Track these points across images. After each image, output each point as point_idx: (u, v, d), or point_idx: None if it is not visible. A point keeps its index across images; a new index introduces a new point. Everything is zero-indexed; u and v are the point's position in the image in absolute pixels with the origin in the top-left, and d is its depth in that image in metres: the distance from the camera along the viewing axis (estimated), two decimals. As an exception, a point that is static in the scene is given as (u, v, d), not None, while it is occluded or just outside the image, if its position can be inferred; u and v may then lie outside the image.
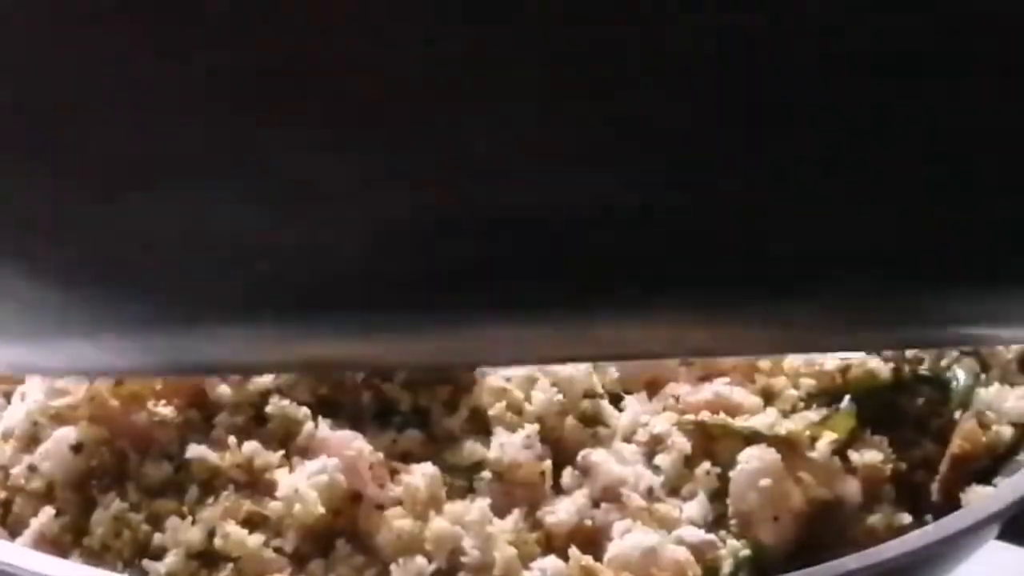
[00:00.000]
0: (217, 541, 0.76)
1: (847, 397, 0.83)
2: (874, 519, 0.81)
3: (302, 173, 0.33)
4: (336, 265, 0.36)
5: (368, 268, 0.36)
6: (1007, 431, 0.84)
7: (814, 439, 0.81)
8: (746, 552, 0.77)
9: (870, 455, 0.82)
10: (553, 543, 0.78)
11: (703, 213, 0.34)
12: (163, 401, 0.80)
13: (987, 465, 0.82)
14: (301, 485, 0.77)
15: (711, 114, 0.32)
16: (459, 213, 0.34)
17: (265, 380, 0.83)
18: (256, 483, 0.79)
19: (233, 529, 0.76)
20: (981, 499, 0.79)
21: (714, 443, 0.82)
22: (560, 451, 0.82)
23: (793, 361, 0.85)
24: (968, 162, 0.33)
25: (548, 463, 0.81)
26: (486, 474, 0.81)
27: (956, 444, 0.84)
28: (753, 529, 0.78)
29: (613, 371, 0.86)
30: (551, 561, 0.76)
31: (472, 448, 0.82)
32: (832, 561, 0.73)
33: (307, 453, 0.80)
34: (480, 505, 0.79)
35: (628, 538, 0.77)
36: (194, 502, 0.78)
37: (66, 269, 0.38)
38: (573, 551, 0.76)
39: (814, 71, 0.31)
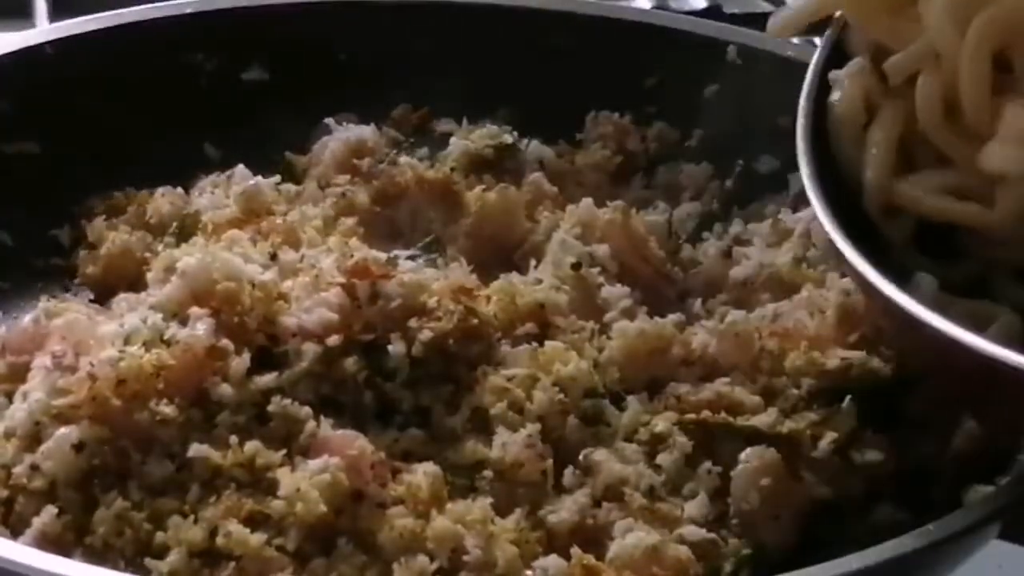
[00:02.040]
0: (219, 540, 0.76)
1: (848, 396, 0.83)
2: (875, 518, 0.81)
3: None
4: None
5: None
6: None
7: (815, 438, 0.81)
8: (747, 551, 0.78)
9: (871, 454, 0.82)
10: (555, 542, 0.78)
11: None
12: (165, 400, 0.80)
13: (988, 464, 0.82)
14: (303, 484, 0.77)
15: None
16: None
17: (267, 379, 0.83)
18: (258, 482, 0.79)
19: (235, 528, 0.76)
20: (982, 498, 0.79)
21: (715, 442, 0.82)
22: (561, 451, 0.82)
23: (794, 360, 0.85)
24: None
25: (549, 462, 0.81)
26: (488, 473, 0.81)
27: (957, 444, 0.84)
28: (754, 528, 0.79)
29: (614, 371, 0.86)
30: (553, 560, 0.76)
31: (474, 447, 0.82)
32: (833, 560, 0.73)
33: (309, 452, 0.80)
34: (482, 504, 0.79)
35: (630, 537, 0.77)
36: (196, 501, 0.78)
37: None
38: (575, 550, 0.76)
39: None
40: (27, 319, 0.87)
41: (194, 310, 0.83)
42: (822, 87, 0.85)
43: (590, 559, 0.76)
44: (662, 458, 0.81)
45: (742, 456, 0.80)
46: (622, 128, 1.07)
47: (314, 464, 0.78)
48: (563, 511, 0.79)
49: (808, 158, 0.82)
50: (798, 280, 0.91)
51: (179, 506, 0.78)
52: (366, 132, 1.02)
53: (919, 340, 0.78)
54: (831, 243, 0.79)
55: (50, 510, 0.78)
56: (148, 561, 0.76)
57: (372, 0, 1.12)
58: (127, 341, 0.82)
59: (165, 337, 0.82)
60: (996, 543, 0.81)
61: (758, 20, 1.20)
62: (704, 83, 1.07)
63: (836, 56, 0.86)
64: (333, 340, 0.83)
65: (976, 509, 0.78)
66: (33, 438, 0.80)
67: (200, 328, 0.82)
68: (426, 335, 0.83)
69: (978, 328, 0.74)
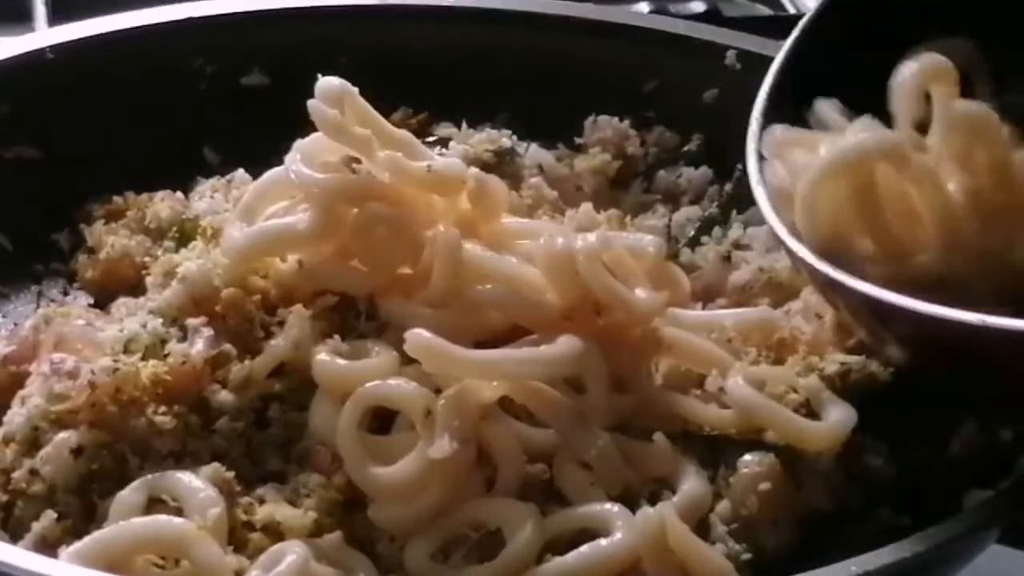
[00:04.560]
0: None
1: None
2: (874, 522, 0.81)
3: None
4: None
5: None
6: (1007, 435, 0.84)
7: (815, 443, 0.81)
8: (747, 555, 0.77)
9: (871, 459, 0.82)
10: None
11: None
12: (163, 407, 0.80)
13: (987, 469, 0.82)
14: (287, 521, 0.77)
15: None
16: None
17: (266, 384, 0.82)
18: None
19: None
20: (982, 503, 0.79)
21: (715, 447, 0.82)
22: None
23: (793, 365, 0.85)
24: None
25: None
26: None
27: (956, 448, 0.84)
28: (754, 533, 0.79)
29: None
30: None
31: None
32: (832, 564, 0.73)
33: (307, 459, 0.80)
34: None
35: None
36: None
37: None
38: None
39: None
40: (27, 324, 0.87)
41: (191, 321, 0.83)
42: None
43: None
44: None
45: (742, 461, 0.80)
46: (621, 132, 1.07)
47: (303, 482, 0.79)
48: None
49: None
50: (797, 285, 0.91)
51: (178, 510, 0.78)
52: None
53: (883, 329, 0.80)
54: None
55: (49, 514, 0.78)
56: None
57: (371, 4, 1.12)
58: (127, 346, 0.82)
59: (165, 350, 0.82)
60: (995, 548, 0.81)
61: (757, 25, 1.21)
62: (703, 87, 1.07)
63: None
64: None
65: (975, 513, 0.78)
66: (32, 443, 0.80)
67: (199, 342, 0.82)
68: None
69: None
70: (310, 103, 0.87)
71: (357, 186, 0.84)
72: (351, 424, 0.78)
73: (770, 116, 0.87)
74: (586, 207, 0.96)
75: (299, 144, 0.88)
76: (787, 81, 0.88)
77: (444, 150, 1.00)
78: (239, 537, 0.77)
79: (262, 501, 0.78)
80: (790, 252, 0.80)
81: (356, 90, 0.89)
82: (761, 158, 0.85)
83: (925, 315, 0.72)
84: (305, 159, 0.86)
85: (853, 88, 0.86)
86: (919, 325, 0.74)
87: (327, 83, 0.88)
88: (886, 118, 0.82)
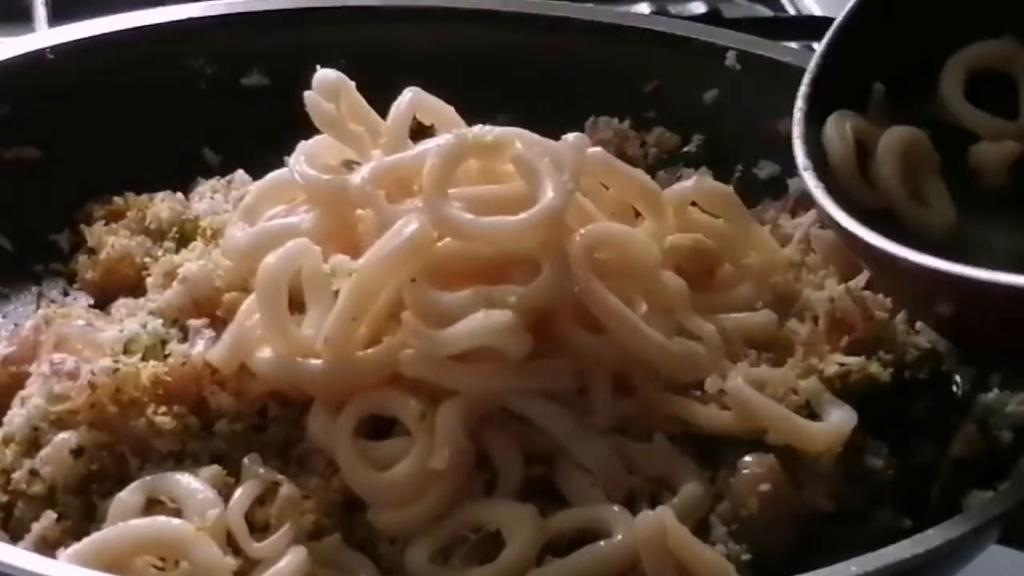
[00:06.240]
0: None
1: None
2: (875, 523, 0.81)
3: None
4: None
5: None
6: (1007, 436, 0.84)
7: (815, 443, 0.81)
8: (747, 556, 0.77)
9: (871, 460, 0.82)
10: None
11: None
12: (163, 408, 0.80)
13: (987, 470, 0.82)
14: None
15: None
16: None
17: (264, 386, 0.82)
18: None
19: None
20: (982, 504, 0.79)
21: (716, 448, 0.82)
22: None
23: (792, 367, 0.85)
24: None
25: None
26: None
27: (956, 449, 0.84)
28: (754, 533, 0.79)
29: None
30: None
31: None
32: (833, 565, 0.73)
33: (306, 461, 0.81)
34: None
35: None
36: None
37: None
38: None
39: None
40: (27, 325, 0.87)
41: (192, 322, 0.83)
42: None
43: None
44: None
45: (742, 462, 0.80)
46: (621, 133, 1.07)
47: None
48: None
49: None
50: (796, 288, 0.91)
51: (178, 511, 0.78)
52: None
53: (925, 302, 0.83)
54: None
55: (49, 515, 0.78)
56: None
57: (371, 5, 1.12)
58: (127, 347, 0.82)
59: (165, 351, 0.82)
60: (995, 548, 0.81)
61: (757, 25, 1.21)
62: (703, 88, 1.07)
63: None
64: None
65: (975, 514, 0.78)
66: (32, 443, 0.80)
67: (200, 343, 0.82)
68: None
69: None
70: (307, 95, 0.87)
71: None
72: (347, 431, 0.79)
73: (813, 101, 0.87)
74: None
75: (303, 145, 0.88)
76: (833, 65, 0.89)
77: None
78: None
79: (262, 502, 0.78)
80: (841, 229, 0.82)
81: (353, 84, 0.89)
82: (805, 142, 0.85)
83: (989, 283, 0.73)
84: (309, 160, 0.86)
85: (898, 74, 0.86)
86: (981, 293, 0.75)
87: (324, 76, 0.89)
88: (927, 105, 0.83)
